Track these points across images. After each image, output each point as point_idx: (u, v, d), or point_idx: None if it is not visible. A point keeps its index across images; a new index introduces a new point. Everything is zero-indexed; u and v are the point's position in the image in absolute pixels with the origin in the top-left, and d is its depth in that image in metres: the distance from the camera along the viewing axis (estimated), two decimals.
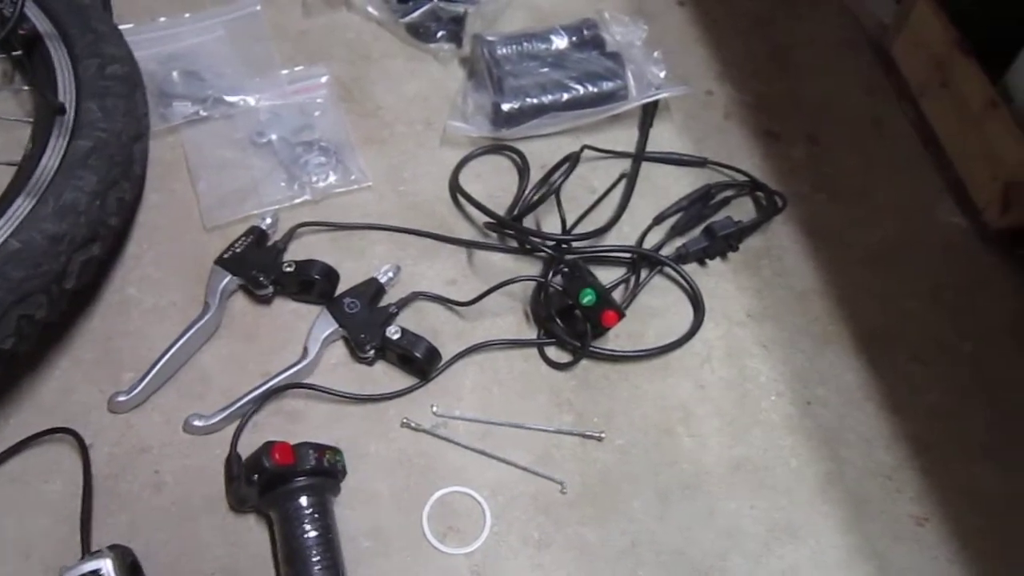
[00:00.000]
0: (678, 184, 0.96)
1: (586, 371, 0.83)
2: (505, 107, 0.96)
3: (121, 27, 1.00)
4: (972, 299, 0.90)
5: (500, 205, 0.93)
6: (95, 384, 0.80)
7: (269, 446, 0.69)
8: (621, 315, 0.81)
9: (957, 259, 0.93)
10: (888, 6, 1.11)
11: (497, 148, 0.97)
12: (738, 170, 0.97)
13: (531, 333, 0.85)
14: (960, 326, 0.88)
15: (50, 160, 0.78)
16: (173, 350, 0.80)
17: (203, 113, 0.97)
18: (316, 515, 0.70)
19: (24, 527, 0.72)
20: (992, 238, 0.93)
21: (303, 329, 0.83)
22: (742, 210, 0.95)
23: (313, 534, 0.69)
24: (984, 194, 0.94)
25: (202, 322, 0.82)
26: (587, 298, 0.79)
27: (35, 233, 0.73)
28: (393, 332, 0.80)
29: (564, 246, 0.88)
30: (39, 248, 0.72)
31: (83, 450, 0.75)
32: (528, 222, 0.92)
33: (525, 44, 1.01)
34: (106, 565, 0.64)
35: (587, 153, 0.97)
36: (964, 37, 0.96)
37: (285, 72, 1.02)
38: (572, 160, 0.93)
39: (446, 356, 0.83)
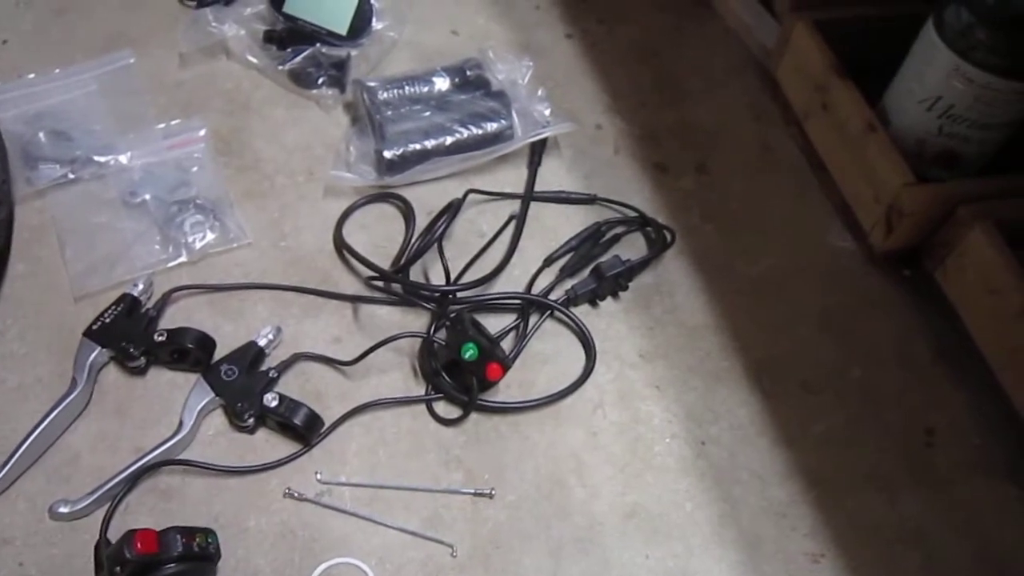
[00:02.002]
0: (569, 223, 0.95)
1: (476, 425, 0.81)
2: (387, 154, 0.94)
3: None
4: (860, 323, 0.90)
5: (387, 255, 0.91)
6: None
7: (131, 535, 0.66)
8: (506, 367, 0.79)
9: (846, 283, 0.93)
10: (773, 30, 1.11)
11: (382, 196, 0.95)
12: (628, 205, 0.96)
13: (420, 389, 0.83)
14: (848, 351, 0.88)
15: None
16: (37, 431, 0.76)
17: (72, 175, 0.93)
18: None
19: None
20: (879, 261, 0.94)
21: (180, 400, 0.79)
22: (634, 246, 0.94)
23: None
24: (869, 217, 0.94)
25: (69, 399, 0.78)
26: (468, 353, 0.77)
27: None
28: (271, 400, 0.77)
29: (450, 296, 0.86)
30: None
31: None
32: (415, 271, 0.90)
33: (407, 87, 0.99)
34: None
35: (476, 196, 0.95)
36: (840, 60, 0.97)
37: (161, 127, 0.98)
38: (454, 208, 0.91)
39: (331, 418, 0.80)
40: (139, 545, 0.65)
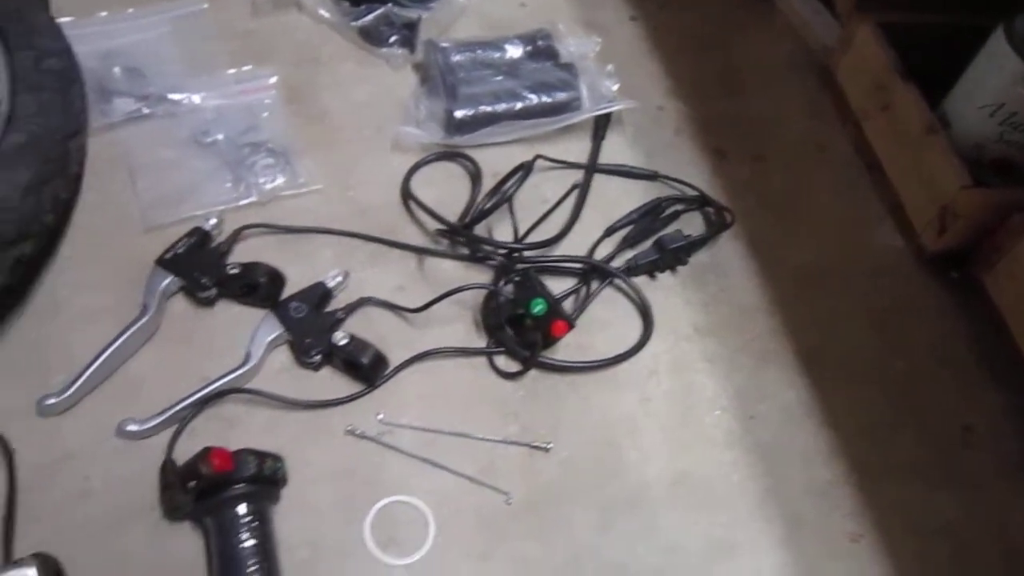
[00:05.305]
0: (629, 197, 0.97)
1: (534, 382, 0.83)
2: (458, 114, 0.95)
3: (60, 20, 0.97)
4: (906, 320, 0.92)
5: (451, 212, 0.92)
6: (22, 388, 0.76)
7: (207, 452, 0.67)
8: (571, 325, 0.81)
9: (894, 281, 0.95)
10: (833, 29, 1.13)
11: (450, 155, 0.96)
12: (689, 184, 0.98)
13: (480, 342, 0.84)
14: (892, 346, 0.90)
15: None
16: (107, 353, 0.77)
17: (146, 111, 0.94)
18: (254, 524, 0.68)
19: None
20: (928, 261, 0.96)
21: (245, 333, 0.81)
22: (691, 225, 0.96)
23: (250, 543, 0.67)
24: (922, 218, 0.96)
25: (139, 324, 0.79)
26: (537, 307, 0.79)
27: None
28: (341, 338, 0.79)
29: (515, 255, 0.87)
30: None
31: (7, 455, 0.72)
32: (479, 230, 0.91)
33: (479, 52, 1.01)
34: (29, 574, 0.62)
35: (539, 163, 0.97)
36: (904, 62, 0.99)
37: (231, 72, 1.00)
38: (525, 169, 0.93)
39: (393, 363, 0.81)
40: (215, 462, 0.66)
